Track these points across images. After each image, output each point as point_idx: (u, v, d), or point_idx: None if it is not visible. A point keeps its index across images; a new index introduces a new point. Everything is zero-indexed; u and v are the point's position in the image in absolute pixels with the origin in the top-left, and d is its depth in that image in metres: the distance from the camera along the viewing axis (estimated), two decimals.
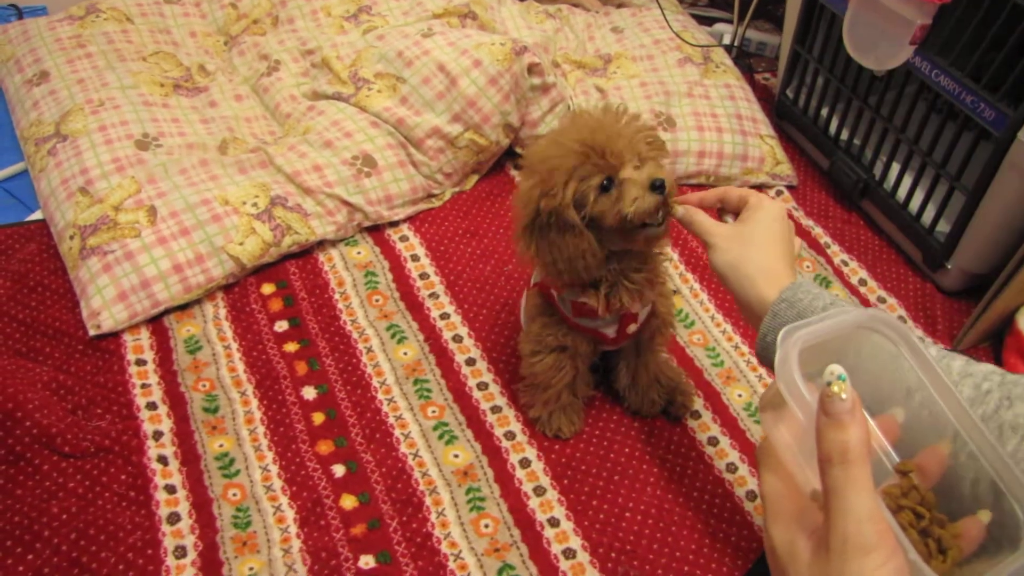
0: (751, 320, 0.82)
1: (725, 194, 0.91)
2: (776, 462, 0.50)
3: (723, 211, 0.92)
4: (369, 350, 1.19)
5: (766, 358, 0.79)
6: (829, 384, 0.46)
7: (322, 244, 1.33)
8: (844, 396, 0.46)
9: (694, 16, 1.89)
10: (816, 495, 0.47)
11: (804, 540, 0.46)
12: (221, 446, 1.07)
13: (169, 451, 1.06)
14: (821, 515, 0.45)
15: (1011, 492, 0.51)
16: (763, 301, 0.78)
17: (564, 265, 0.92)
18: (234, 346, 1.19)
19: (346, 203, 1.33)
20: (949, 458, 0.53)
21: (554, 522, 1.03)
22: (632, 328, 1.04)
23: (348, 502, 1.03)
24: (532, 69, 1.43)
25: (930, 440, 0.54)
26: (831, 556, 0.43)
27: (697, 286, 1.34)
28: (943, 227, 1.36)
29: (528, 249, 0.94)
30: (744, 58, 1.90)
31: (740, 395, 1.20)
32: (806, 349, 0.52)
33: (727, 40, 1.87)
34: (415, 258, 1.33)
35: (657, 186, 0.88)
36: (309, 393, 1.14)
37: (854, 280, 1.40)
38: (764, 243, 0.83)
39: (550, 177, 0.89)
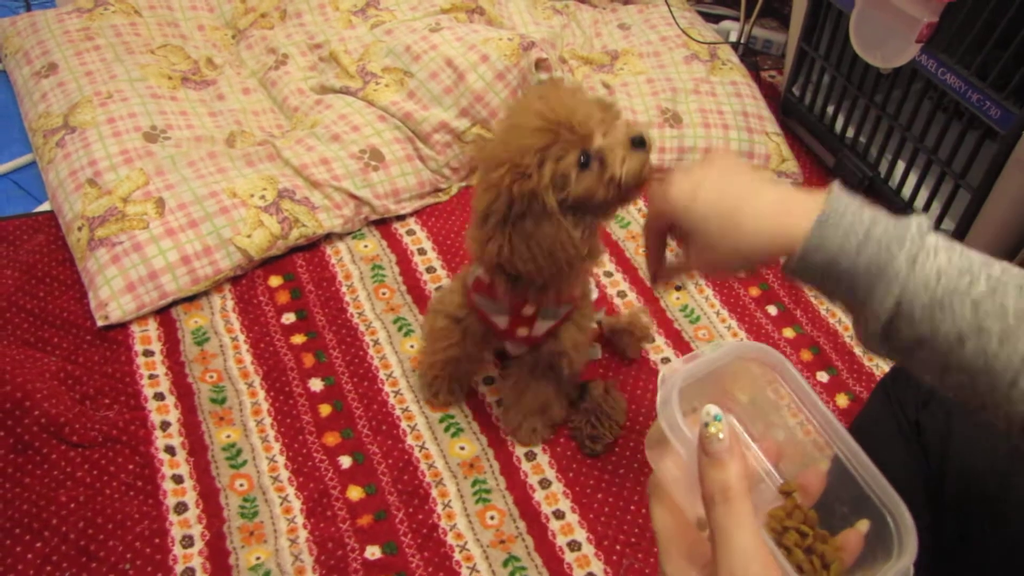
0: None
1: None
2: (665, 496, 0.51)
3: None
4: (376, 343, 1.20)
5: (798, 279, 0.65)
6: (706, 425, 0.48)
7: (329, 237, 1.34)
8: (721, 436, 0.47)
9: (700, 13, 1.90)
10: (703, 524, 0.48)
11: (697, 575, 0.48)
12: (228, 437, 1.08)
13: (176, 441, 1.07)
14: (710, 548, 0.46)
15: (881, 502, 0.54)
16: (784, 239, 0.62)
17: (544, 259, 0.85)
18: (241, 338, 1.19)
19: (353, 197, 1.33)
20: (827, 475, 0.55)
21: (559, 514, 1.03)
22: (522, 332, 0.99)
23: (355, 493, 1.03)
24: (540, 64, 1.43)
25: (810, 460, 0.56)
26: None
27: (702, 282, 1.34)
28: (948, 225, 1.36)
29: (497, 246, 0.86)
30: (750, 55, 1.90)
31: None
32: (691, 384, 0.54)
33: (733, 37, 1.87)
34: (422, 251, 1.34)
35: (638, 141, 0.84)
36: (316, 385, 1.14)
37: None
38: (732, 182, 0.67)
39: (521, 159, 0.82)
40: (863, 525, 0.53)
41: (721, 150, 0.74)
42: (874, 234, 0.61)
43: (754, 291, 1.35)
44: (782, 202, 0.63)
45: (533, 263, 0.86)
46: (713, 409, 0.48)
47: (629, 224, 1.42)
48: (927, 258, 0.59)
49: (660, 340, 1.25)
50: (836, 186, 0.62)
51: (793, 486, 0.55)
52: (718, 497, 0.46)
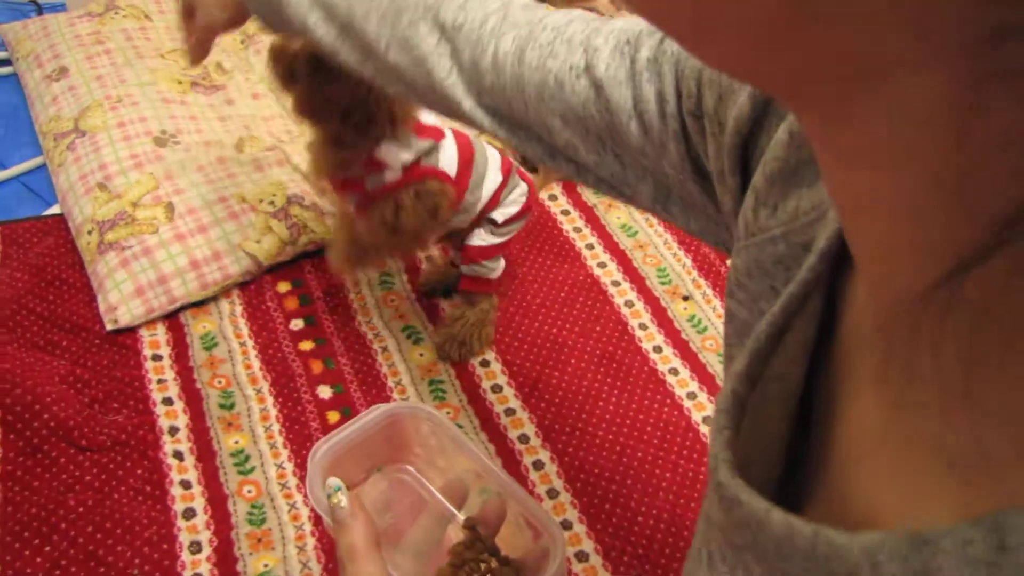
0: None
1: None
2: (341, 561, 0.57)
3: None
4: (385, 350, 1.20)
5: None
6: (329, 497, 0.56)
7: None
8: (343, 504, 0.55)
9: None
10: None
11: None
12: (236, 443, 1.08)
13: (185, 447, 1.07)
14: None
15: (534, 516, 0.62)
16: None
17: None
18: (250, 343, 1.19)
19: None
20: (503, 504, 0.63)
21: (567, 525, 1.03)
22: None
23: None
24: None
25: (486, 493, 0.65)
26: None
27: (710, 292, 1.35)
28: None
29: None
30: None
31: None
32: (353, 451, 0.63)
33: None
34: (430, 259, 1.34)
35: None
36: (325, 392, 1.14)
37: None
38: None
39: None
40: (546, 542, 0.61)
41: None
42: None
43: None
44: None
45: None
46: (334, 481, 0.56)
47: (636, 233, 1.43)
48: None
49: (668, 351, 1.25)
50: None
51: (475, 520, 0.62)
52: (346, 557, 0.53)
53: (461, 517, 0.65)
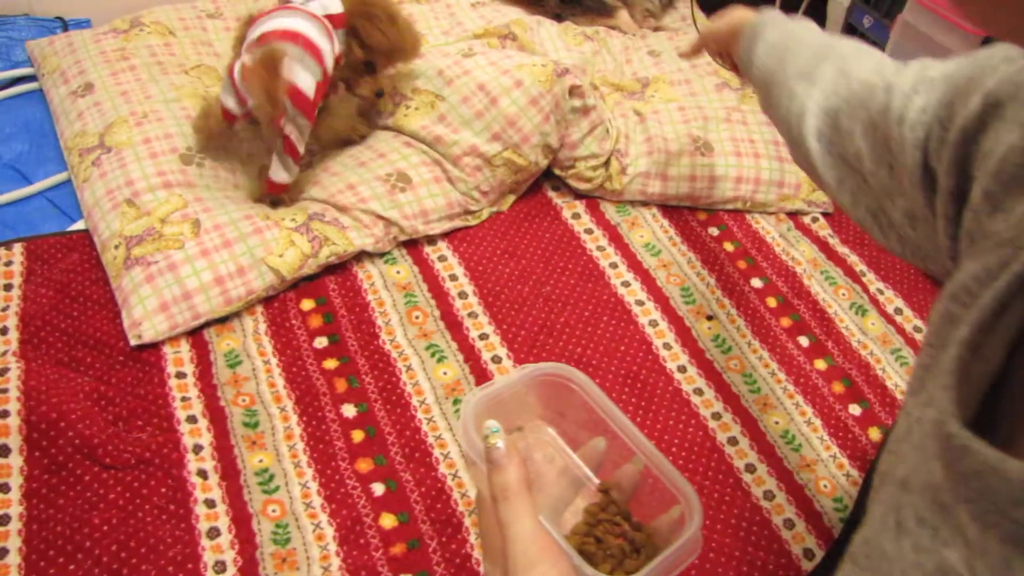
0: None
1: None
2: (484, 506, 0.58)
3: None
4: (409, 368, 1.19)
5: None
6: (487, 437, 0.57)
7: (360, 260, 1.33)
8: (499, 445, 0.55)
9: None
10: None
11: (499, 571, 0.54)
12: (261, 461, 1.07)
13: (209, 465, 1.07)
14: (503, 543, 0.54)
15: (675, 487, 0.62)
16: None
17: None
18: (274, 361, 1.19)
19: (381, 217, 1.34)
20: (638, 473, 0.63)
21: None
22: None
23: (388, 521, 1.03)
24: (573, 91, 1.43)
25: (623, 460, 0.64)
26: None
27: (734, 312, 1.34)
28: None
29: None
30: None
31: (777, 422, 1.19)
32: (500, 404, 0.63)
33: None
34: (453, 277, 1.33)
35: None
36: (349, 411, 1.14)
37: (890, 309, 1.39)
38: None
39: None
40: (676, 511, 0.62)
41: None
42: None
43: (785, 321, 1.34)
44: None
45: None
46: (492, 423, 0.57)
47: (660, 252, 1.42)
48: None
49: (692, 371, 1.24)
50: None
51: (609, 484, 0.63)
52: (499, 496, 0.54)
53: (596, 481, 0.65)
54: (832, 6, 1.60)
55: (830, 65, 0.82)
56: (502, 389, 0.64)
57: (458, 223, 1.42)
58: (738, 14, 1.06)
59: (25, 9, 1.72)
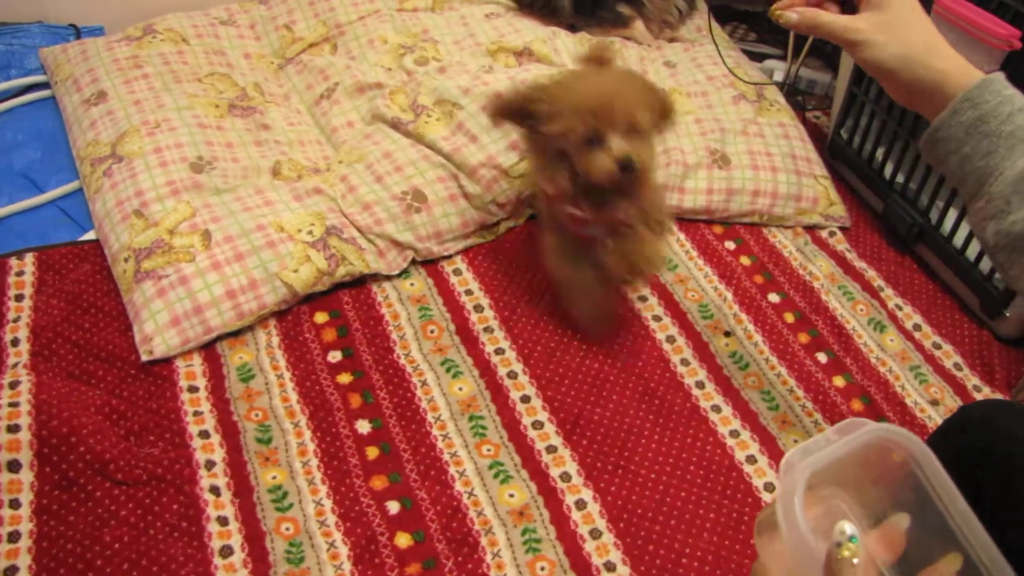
0: (923, 107, 0.79)
1: None
2: None
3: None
4: (424, 384, 1.18)
5: (930, 154, 0.79)
6: (839, 545, 0.44)
7: (376, 276, 1.32)
8: (856, 561, 0.44)
9: (744, 52, 1.88)
10: None
11: None
12: (274, 478, 1.06)
13: (222, 481, 1.05)
14: None
15: None
16: (944, 89, 0.76)
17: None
18: (287, 375, 1.18)
19: (396, 243, 1.32)
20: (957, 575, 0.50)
21: (610, 566, 1.01)
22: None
23: (403, 540, 1.01)
24: None
25: (936, 555, 0.51)
26: None
27: (751, 327, 1.32)
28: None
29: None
30: (794, 95, 1.88)
31: (795, 440, 1.18)
32: (823, 470, 0.50)
33: (778, 77, 1.86)
34: (468, 292, 1.32)
35: (625, 165, 1.07)
36: (363, 427, 1.12)
37: (908, 325, 1.38)
38: (917, 21, 0.79)
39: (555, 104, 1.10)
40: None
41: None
42: None
43: (803, 337, 1.32)
44: (962, 63, 0.76)
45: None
46: (849, 528, 0.44)
47: (677, 267, 1.40)
48: None
49: (710, 387, 1.23)
50: (1000, 73, 0.74)
51: None
52: None
53: (886, 573, 0.51)
54: None
55: None
56: (837, 459, 0.50)
57: (473, 240, 1.40)
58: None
59: (39, 16, 1.71)
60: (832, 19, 0.81)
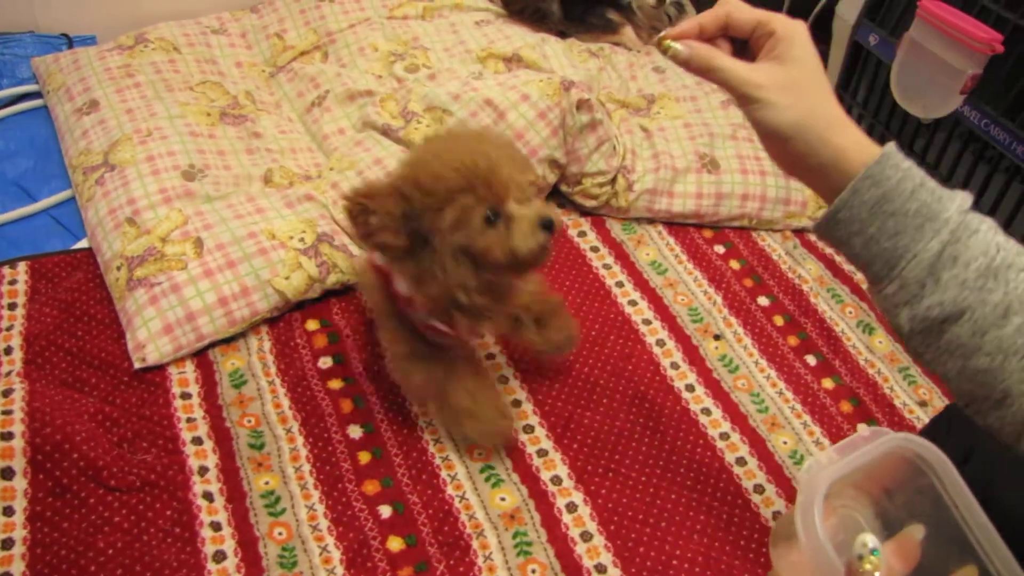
0: (819, 186, 0.71)
1: (730, 17, 0.74)
2: None
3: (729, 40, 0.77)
4: None
5: (830, 235, 0.71)
6: (861, 558, 0.45)
7: None
8: (877, 575, 0.44)
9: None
10: None
11: None
12: (267, 483, 1.07)
13: (215, 487, 1.06)
14: None
15: None
16: (840, 167, 0.68)
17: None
18: (278, 381, 1.18)
19: None
20: None
21: (601, 568, 1.02)
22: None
23: (395, 544, 1.02)
24: (581, 105, 1.43)
25: (951, 566, 0.52)
26: None
27: (741, 331, 1.33)
28: None
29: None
30: None
31: (785, 442, 1.18)
32: (840, 480, 0.51)
33: None
34: None
35: (547, 224, 0.89)
36: (355, 431, 1.13)
37: None
38: (821, 88, 0.71)
39: (433, 190, 0.88)
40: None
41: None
42: (928, 184, 0.65)
43: (792, 340, 1.33)
44: (860, 139, 0.69)
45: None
46: (871, 541, 0.45)
47: (666, 271, 1.41)
48: (980, 222, 0.63)
49: (700, 390, 1.24)
50: (893, 144, 0.67)
51: None
52: None
53: None
54: (837, 24, 1.60)
55: None
56: (855, 468, 0.51)
57: None
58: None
59: (30, 26, 1.72)
60: (730, 66, 0.72)
